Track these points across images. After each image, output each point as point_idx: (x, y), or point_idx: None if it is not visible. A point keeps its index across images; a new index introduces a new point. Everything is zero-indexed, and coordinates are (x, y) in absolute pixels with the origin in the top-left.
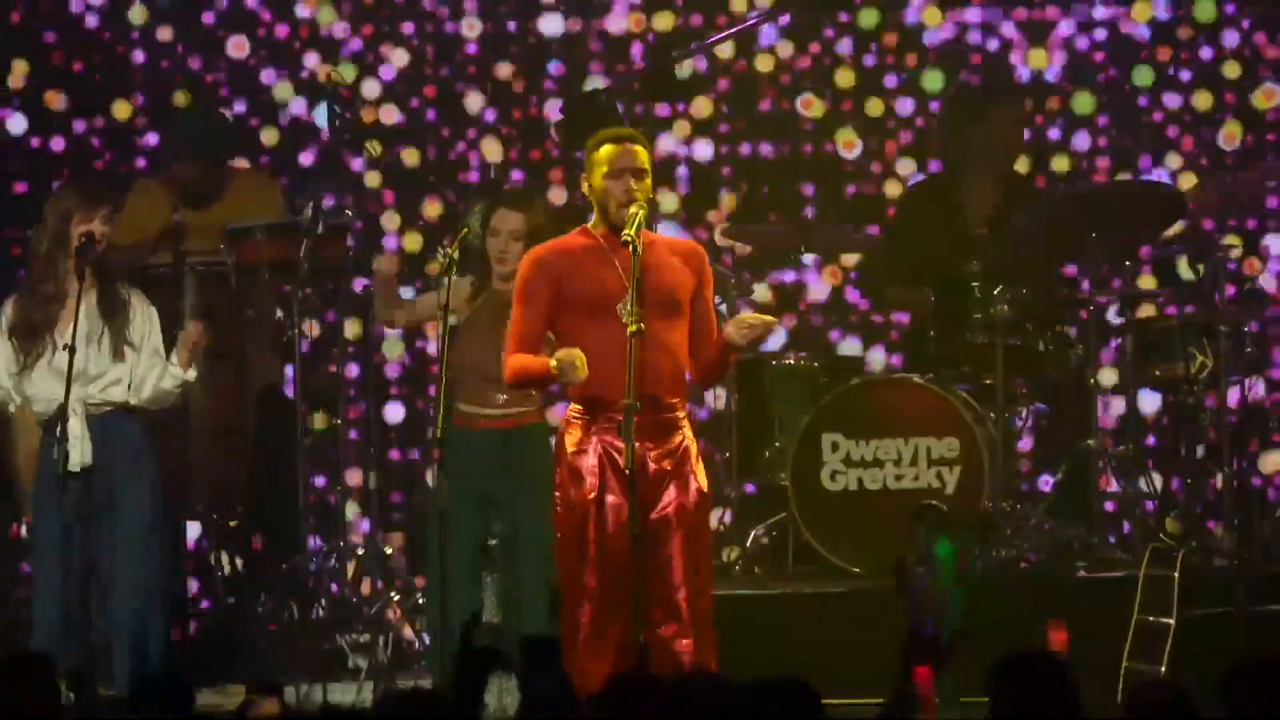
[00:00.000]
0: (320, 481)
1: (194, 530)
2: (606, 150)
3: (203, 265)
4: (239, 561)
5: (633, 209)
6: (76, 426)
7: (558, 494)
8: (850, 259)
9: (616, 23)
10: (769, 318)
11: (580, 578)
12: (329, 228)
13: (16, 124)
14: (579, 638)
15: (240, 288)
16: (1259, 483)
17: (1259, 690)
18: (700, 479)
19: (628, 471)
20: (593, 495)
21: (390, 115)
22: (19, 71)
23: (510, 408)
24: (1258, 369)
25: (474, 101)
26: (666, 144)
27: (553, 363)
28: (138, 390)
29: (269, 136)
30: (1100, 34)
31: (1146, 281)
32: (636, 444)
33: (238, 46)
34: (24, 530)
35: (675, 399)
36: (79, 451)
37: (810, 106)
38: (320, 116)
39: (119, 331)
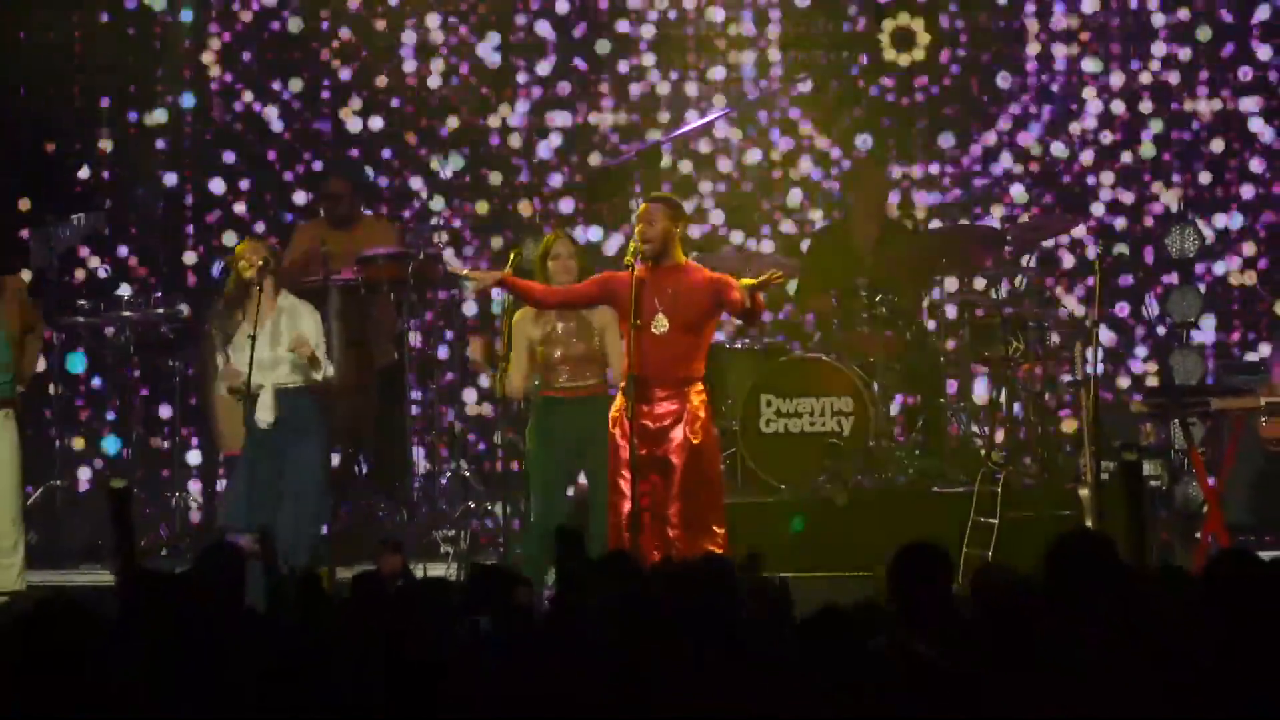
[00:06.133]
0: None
1: (335, 459)
2: (640, 209)
3: (341, 282)
4: (367, 480)
5: (630, 244)
6: (266, 397)
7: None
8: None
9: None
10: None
11: (617, 483)
12: (428, 256)
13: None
14: (619, 521)
15: (367, 297)
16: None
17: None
18: (693, 434)
19: (629, 422)
20: (619, 435)
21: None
22: None
23: (587, 381)
24: (1054, 353)
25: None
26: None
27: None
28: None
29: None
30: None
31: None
32: (639, 405)
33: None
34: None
35: (672, 381)
36: (267, 411)
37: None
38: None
39: (288, 328)
